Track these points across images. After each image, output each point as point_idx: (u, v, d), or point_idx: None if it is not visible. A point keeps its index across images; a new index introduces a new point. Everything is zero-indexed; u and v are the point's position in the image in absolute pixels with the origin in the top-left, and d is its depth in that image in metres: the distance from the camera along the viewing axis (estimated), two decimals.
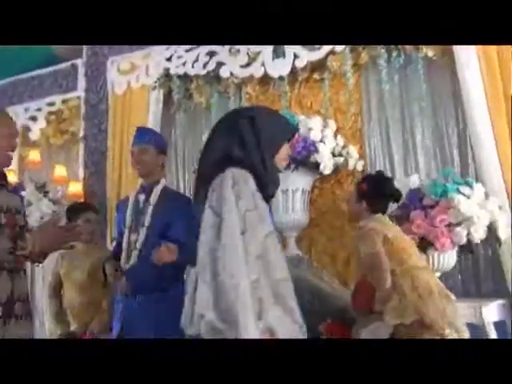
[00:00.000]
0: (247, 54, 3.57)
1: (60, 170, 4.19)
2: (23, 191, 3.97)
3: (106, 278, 2.82)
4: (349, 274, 3.28)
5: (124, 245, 2.33)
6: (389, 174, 3.30)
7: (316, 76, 3.53)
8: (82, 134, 4.22)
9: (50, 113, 4.43)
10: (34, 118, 4.48)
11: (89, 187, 4.09)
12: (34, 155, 4.31)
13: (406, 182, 2.86)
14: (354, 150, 3.16)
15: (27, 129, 4.48)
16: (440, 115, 3.21)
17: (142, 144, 2.35)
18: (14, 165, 4.44)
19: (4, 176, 1.86)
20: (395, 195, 2.36)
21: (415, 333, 1.91)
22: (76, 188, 4.10)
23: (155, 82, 3.92)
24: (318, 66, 3.49)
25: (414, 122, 3.27)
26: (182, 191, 3.98)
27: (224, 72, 3.64)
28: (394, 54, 3.18)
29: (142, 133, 2.43)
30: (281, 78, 3.51)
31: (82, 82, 4.29)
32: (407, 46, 3.16)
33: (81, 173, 4.18)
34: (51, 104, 4.42)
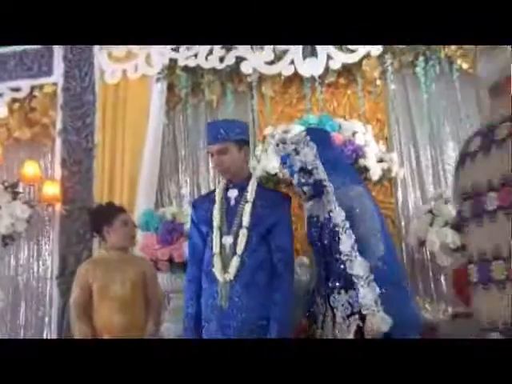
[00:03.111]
0: (273, 51, 3.35)
1: (31, 167, 3.51)
2: None
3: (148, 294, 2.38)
4: None
5: (215, 249, 1.95)
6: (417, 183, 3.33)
7: (342, 80, 3.43)
8: (59, 126, 3.59)
9: (14, 100, 3.71)
10: None
11: (69, 189, 3.48)
12: None
13: None
14: (395, 157, 3.09)
15: None
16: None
17: (218, 142, 1.98)
18: None
19: None
20: None
21: None
22: (52, 189, 3.47)
23: (159, 73, 3.50)
24: (345, 70, 3.39)
25: (442, 131, 3.31)
26: (183, 195, 3.59)
27: (246, 67, 3.36)
28: (430, 62, 3.21)
29: (215, 128, 2.04)
30: (308, 79, 3.35)
31: (59, 67, 3.67)
32: (442, 57, 3.21)
33: (58, 172, 3.54)
34: (16, 89, 3.71)
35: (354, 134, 3.00)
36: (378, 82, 3.36)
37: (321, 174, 1.92)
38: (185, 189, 3.59)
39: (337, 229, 1.86)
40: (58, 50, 3.70)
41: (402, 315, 1.79)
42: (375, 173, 2.94)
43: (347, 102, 3.47)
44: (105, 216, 2.39)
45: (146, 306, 2.36)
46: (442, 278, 3.02)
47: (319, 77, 3.32)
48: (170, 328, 3.00)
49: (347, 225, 1.85)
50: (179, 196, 3.56)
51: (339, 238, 1.85)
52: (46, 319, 3.48)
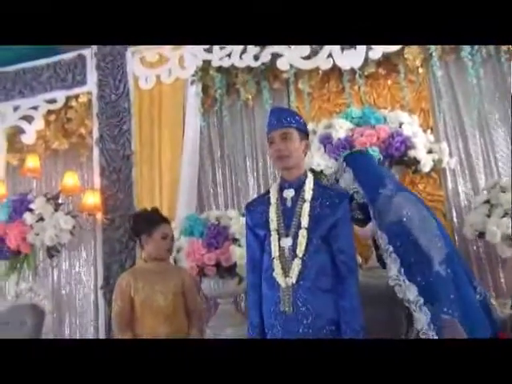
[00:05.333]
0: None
1: (71, 179, 3.50)
2: (31, 204, 3.24)
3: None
4: None
5: (274, 252, 1.86)
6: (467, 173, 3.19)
7: (381, 71, 3.31)
8: (96, 135, 3.57)
9: (50, 111, 3.71)
10: (27, 118, 3.73)
11: (110, 197, 3.45)
12: (33, 161, 3.57)
13: None
14: (446, 147, 2.95)
15: (20, 131, 3.72)
16: None
17: (282, 127, 1.88)
18: (1, 172, 3.69)
19: None
20: None
21: None
22: (93, 198, 3.44)
23: (193, 75, 3.45)
24: (385, 59, 3.27)
25: (491, 117, 3.16)
26: (218, 197, 3.52)
27: (282, 64, 3.28)
28: (476, 47, 3.07)
29: (279, 113, 1.95)
30: (347, 71, 3.24)
31: (93, 76, 3.66)
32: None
33: (97, 181, 3.52)
34: (51, 101, 3.71)
35: (400, 125, 2.89)
36: (421, 70, 3.24)
37: (363, 197, 1.92)
38: (224, 192, 3.52)
39: (383, 254, 1.84)
40: (91, 59, 3.69)
41: (474, 322, 1.73)
42: (426, 164, 2.83)
43: (388, 92, 3.36)
44: (146, 224, 2.33)
45: (188, 315, 2.32)
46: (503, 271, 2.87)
47: (359, 68, 3.21)
48: (219, 335, 2.94)
49: (390, 248, 1.82)
50: (218, 199, 3.50)
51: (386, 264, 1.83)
52: (93, 329, 3.46)
